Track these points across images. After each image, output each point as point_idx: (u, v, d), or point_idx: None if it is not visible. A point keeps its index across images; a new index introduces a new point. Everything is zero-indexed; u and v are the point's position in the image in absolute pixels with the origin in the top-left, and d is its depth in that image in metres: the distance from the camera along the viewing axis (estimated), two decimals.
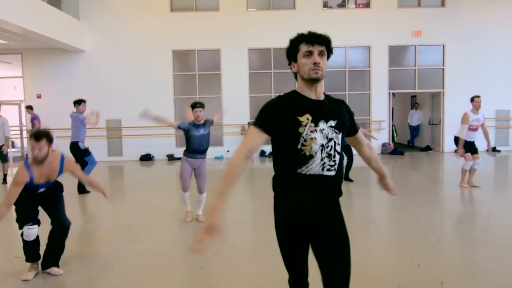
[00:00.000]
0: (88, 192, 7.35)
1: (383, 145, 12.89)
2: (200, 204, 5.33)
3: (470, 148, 7.19)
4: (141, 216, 5.79)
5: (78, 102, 7.42)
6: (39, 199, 3.57)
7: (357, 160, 8.39)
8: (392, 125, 13.99)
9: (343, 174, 2.11)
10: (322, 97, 1.96)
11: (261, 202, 6.59)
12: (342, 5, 13.18)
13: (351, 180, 7.92)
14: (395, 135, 14.88)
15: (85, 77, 12.58)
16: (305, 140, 1.85)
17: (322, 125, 1.88)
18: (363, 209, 6.04)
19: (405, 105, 16.25)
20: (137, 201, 7.00)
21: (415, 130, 14.84)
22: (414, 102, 15.19)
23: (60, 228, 3.63)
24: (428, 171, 10.01)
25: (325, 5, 13.09)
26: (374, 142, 12.91)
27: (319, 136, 1.87)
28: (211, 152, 12.78)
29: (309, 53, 1.88)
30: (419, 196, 6.64)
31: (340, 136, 1.93)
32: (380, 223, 5.29)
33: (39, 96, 12.64)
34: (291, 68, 2.00)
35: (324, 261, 1.96)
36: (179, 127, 5.00)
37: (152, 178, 10.04)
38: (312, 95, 1.93)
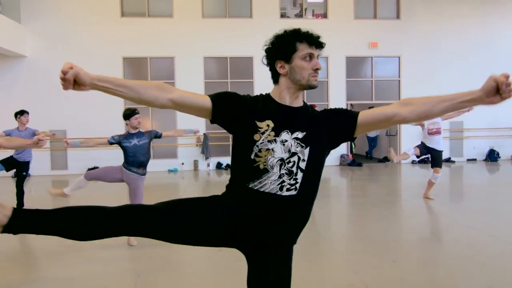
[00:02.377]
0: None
1: (342, 156, 12.76)
2: None
3: (431, 157, 6.88)
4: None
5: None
6: None
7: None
8: None
9: (313, 198, 1.73)
10: (298, 104, 1.70)
11: None
12: (299, 15, 13.07)
13: None
14: (353, 146, 14.82)
15: (26, 84, 11.65)
16: (259, 150, 1.59)
17: (285, 135, 1.61)
18: (318, 225, 5.68)
19: None
20: None
21: (373, 141, 14.86)
22: None
23: None
24: (386, 183, 9.88)
25: (283, 15, 12.92)
26: (333, 153, 12.80)
27: (279, 148, 1.59)
28: (165, 164, 12.26)
29: (310, 57, 1.65)
30: (377, 210, 6.38)
31: (307, 151, 1.61)
32: (334, 241, 4.93)
33: None
34: (274, 68, 1.67)
35: None
36: (110, 143, 4.52)
37: (96, 193, 9.28)
38: (286, 101, 1.68)
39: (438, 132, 6.68)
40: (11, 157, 6.61)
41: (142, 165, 4.61)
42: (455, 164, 12.64)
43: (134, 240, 4.69)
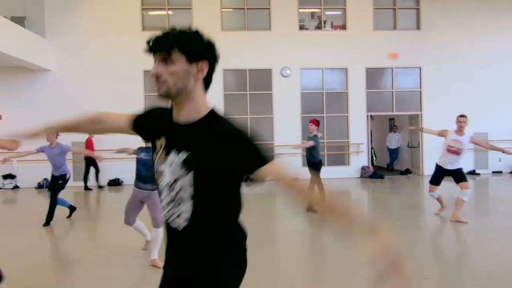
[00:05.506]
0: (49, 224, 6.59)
1: (363, 168, 12.54)
2: (155, 244, 4.24)
3: (452, 175, 6.30)
4: (92, 249, 5.13)
5: None
6: None
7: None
8: (371, 148, 13.72)
9: (212, 233, 1.44)
10: (191, 119, 1.39)
11: None
12: (318, 27, 13.05)
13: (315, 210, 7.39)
14: (374, 158, 14.60)
15: (49, 97, 11.89)
16: (156, 172, 1.45)
17: (172, 156, 1.39)
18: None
19: (383, 127, 16.09)
20: (96, 231, 6.32)
21: (394, 153, 14.59)
22: (392, 124, 15.02)
23: None
24: (409, 196, 9.64)
25: (301, 27, 12.92)
26: (354, 164, 12.59)
27: (167, 170, 1.40)
28: None
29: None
30: (400, 225, 6.19)
31: (188, 177, 1.35)
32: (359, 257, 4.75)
33: None
34: None
35: None
36: (135, 153, 4.42)
37: (115, 205, 9.31)
38: (175, 116, 1.43)
39: (457, 152, 6.19)
40: (52, 176, 6.68)
41: (147, 180, 4.25)
42: (480, 177, 12.29)
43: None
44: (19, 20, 11.00)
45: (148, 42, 1.38)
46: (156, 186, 4.36)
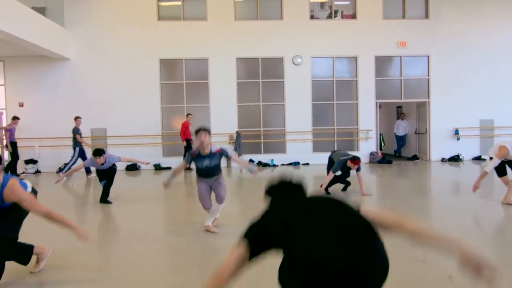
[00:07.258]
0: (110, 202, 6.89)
1: (371, 153, 12.94)
2: (212, 213, 4.82)
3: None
4: (127, 225, 5.58)
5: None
6: None
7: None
8: (380, 134, 14.09)
9: None
10: None
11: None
12: (328, 16, 13.36)
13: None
14: (382, 144, 14.98)
15: (69, 85, 12.33)
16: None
17: None
18: None
19: (391, 115, 16.43)
20: (120, 211, 6.77)
21: (401, 140, 14.96)
22: (400, 112, 15.37)
23: None
24: (416, 180, 10.03)
25: (312, 17, 13.23)
26: (363, 150, 12.96)
27: None
28: None
29: None
30: (409, 205, 6.59)
31: None
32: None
33: (21, 105, 12.30)
34: None
35: None
36: (188, 163, 4.72)
37: (137, 188, 9.78)
38: None
39: None
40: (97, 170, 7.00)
41: (215, 175, 4.78)
42: (485, 162, 12.63)
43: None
44: (39, 11, 11.36)
45: None
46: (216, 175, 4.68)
